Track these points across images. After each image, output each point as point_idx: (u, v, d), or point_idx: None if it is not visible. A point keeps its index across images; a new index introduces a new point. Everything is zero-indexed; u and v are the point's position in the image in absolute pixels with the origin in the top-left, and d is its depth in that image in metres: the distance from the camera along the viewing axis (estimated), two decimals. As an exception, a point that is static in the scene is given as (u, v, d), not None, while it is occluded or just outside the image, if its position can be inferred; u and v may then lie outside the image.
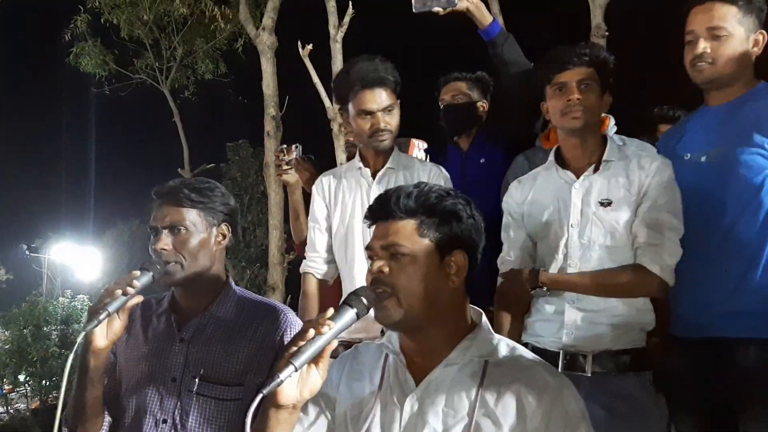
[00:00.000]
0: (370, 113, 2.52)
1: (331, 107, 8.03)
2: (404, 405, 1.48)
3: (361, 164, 2.68)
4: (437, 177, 2.60)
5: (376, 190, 2.57)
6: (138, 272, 1.83)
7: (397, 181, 2.56)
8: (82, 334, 1.74)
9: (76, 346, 1.71)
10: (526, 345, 2.14)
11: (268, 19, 7.55)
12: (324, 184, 2.76)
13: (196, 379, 1.91)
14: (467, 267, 1.51)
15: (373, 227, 1.55)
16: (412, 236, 1.47)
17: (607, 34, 6.63)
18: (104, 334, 1.79)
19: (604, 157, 2.15)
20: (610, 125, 2.68)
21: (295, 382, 1.35)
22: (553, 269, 2.16)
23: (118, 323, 1.81)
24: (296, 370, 1.29)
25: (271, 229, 7.43)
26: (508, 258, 2.30)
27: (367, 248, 1.54)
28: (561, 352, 2.08)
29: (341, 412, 1.57)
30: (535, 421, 1.40)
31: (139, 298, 1.83)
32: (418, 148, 3.52)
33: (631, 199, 2.08)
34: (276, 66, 7.56)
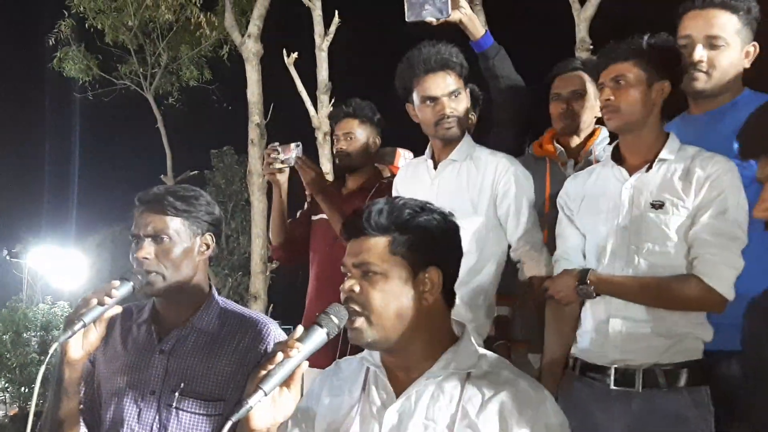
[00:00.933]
0: (435, 99, 2.42)
1: (315, 115, 8.04)
2: (384, 417, 1.47)
3: (428, 155, 2.59)
4: (505, 172, 2.43)
5: (436, 185, 2.49)
6: (117, 282, 1.77)
7: (460, 174, 2.46)
8: (57, 344, 1.70)
9: (49, 356, 1.67)
10: (575, 360, 2.08)
11: (254, 26, 7.54)
12: (400, 174, 2.71)
13: (176, 393, 1.85)
14: (442, 283, 1.49)
15: (349, 243, 1.53)
16: (383, 254, 1.45)
17: (591, 47, 6.69)
18: (80, 345, 1.73)
19: (661, 155, 2.00)
20: (601, 137, 2.68)
21: (268, 406, 1.34)
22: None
23: (95, 334, 1.75)
24: (266, 395, 1.28)
25: (254, 237, 7.41)
26: (561, 258, 2.19)
27: (342, 265, 1.51)
28: (611, 366, 1.97)
29: (321, 426, 1.56)
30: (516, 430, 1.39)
31: (117, 309, 1.77)
32: (404, 158, 3.51)
33: (687, 202, 1.93)
34: (261, 74, 7.55)
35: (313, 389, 1.63)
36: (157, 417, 1.85)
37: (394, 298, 1.44)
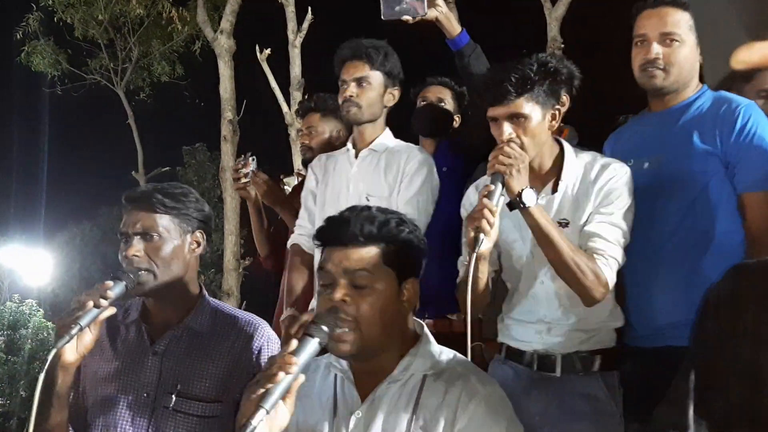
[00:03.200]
0: (344, 82, 2.54)
1: (288, 112, 8.02)
2: (351, 423, 1.49)
3: (350, 145, 2.64)
4: (415, 156, 2.54)
5: (355, 171, 2.55)
6: (111, 282, 1.72)
7: (379, 163, 2.53)
8: (54, 351, 1.61)
9: (48, 364, 1.60)
10: (501, 345, 2.15)
11: (227, 22, 7.50)
12: (317, 163, 2.74)
13: (173, 396, 1.81)
14: (418, 293, 1.52)
15: (326, 250, 1.52)
16: (376, 265, 1.45)
17: (563, 46, 6.76)
18: (74, 349, 1.67)
19: (563, 177, 2.04)
20: (570, 135, 2.70)
21: (265, 421, 1.34)
22: (512, 289, 2.14)
23: (90, 337, 1.68)
24: (267, 413, 1.28)
25: (227, 234, 7.37)
26: (465, 263, 2.25)
27: (324, 272, 1.51)
28: (533, 353, 2.06)
29: (300, 426, 1.56)
30: (460, 424, 1.42)
31: (112, 310, 1.71)
32: None
33: (587, 212, 1.99)
34: (234, 70, 7.51)
35: None
36: (152, 420, 1.81)
37: (383, 308, 1.45)
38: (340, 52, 2.57)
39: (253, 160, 2.95)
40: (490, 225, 1.78)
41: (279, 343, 1.94)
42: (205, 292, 1.99)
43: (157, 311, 1.92)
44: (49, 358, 1.61)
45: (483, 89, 2.11)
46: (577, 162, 2.08)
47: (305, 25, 8.04)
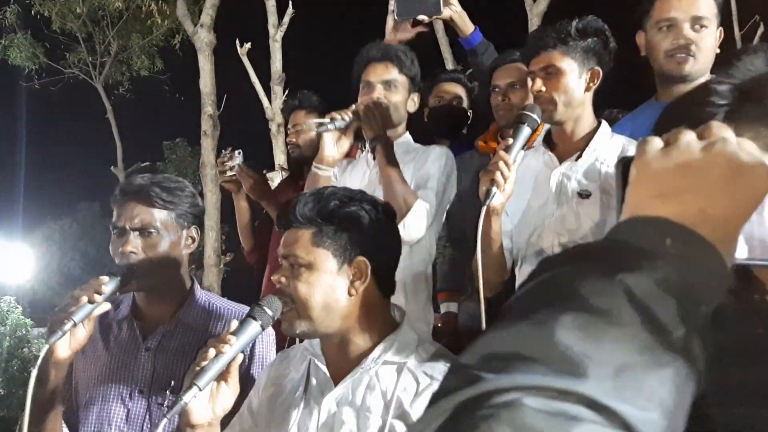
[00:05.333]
0: (370, 84, 2.43)
1: (269, 107, 7.97)
2: (322, 405, 1.48)
3: (368, 146, 2.53)
4: (434, 153, 2.46)
5: (375, 174, 2.47)
6: (105, 278, 1.67)
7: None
8: (47, 347, 1.59)
9: (40, 360, 1.57)
10: None
11: (207, 16, 7.43)
12: (337, 170, 2.71)
13: (167, 392, 1.78)
14: (371, 273, 1.48)
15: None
16: (307, 246, 1.45)
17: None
18: (67, 345, 1.63)
19: (591, 144, 1.98)
20: (545, 130, 2.69)
21: (206, 401, 1.36)
22: (528, 263, 2.04)
23: (83, 332, 1.65)
24: (200, 390, 1.29)
25: (207, 230, 7.30)
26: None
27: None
28: None
29: (263, 414, 1.57)
30: None
31: (106, 306, 1.68)
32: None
33: (614, 192, 1.93)
34: (214, 64, 7.44)
35: (260, 379, 1.65)
36: (147, 416, 1.79)
37: (319, 288, 1.44)
38: (366, 52, 2.47)
39: (239, 153, 2.96)
40: (504, 178, 1.73)
41: (272, 334, 1.92)
42: (197, 286, 1.96)
43: (148, 307, 1.89)
44: (42, 353, 1.58)
45: (525, 46, 2.07)
46: (611, 141, 2.01)
47: (286, 19, 7.99)
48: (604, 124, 2.05)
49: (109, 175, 13.07)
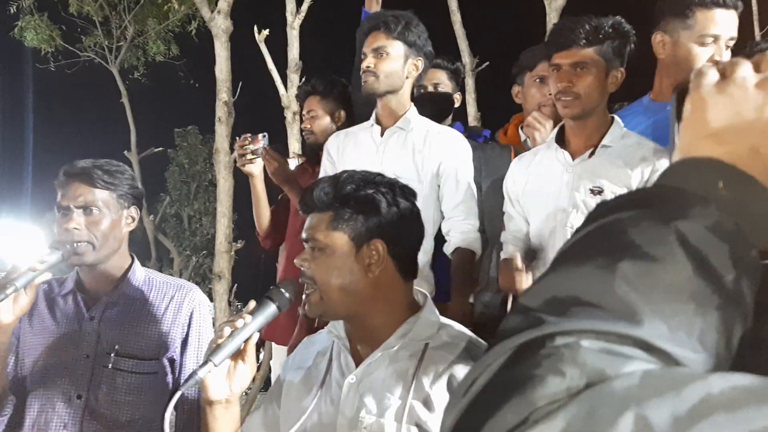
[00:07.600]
0: (364, 55, 2.49)
1: (285, 94, 7.95)
2: (343, 386, 1.50)
3: (373, 121, 2.59)
4: (450, 145, 2.48)
5: (381, 151, 2.50)
6: (48, 250, 1.84)
7: (406, 143, 2.49)
8: None
9: None
10: None
11: (224, 2, 7.40)
12: (331, 144, 2.69)
13: (112, 355, 1.93)
14: (388, 255, 1.50)
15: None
16: (325, 229, 1.49)
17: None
18: (10, 310, 1.77)
19: (604, 141, 2.00)
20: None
21: (223, 378, 1.40)
22: (543, 258, 2.07)
23: (25, 299, 1.79)
24: (216, 366, 1.32)
25: (219, 216, 7.31)
26: (506, 240, 2.21)
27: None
28: None
29: (289, 396, 1.59)
30: None
31: (47, 275, 1.83)
32: None
33: (627, 190, 1.92)
34: (230, 51, 7.42)
35: (286, 362, 1.68)
36: (92, 378, 1.91)
37: (337, 271, 1.47)
38: (360, 27, 2.54)
39: (264, 137, 2.95)
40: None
41: (210, 305, 2.11)
42: (137, 262, 2.11)
43: (91, 281, 2.04)
44: None
45: (552, 36, 2.07)
46: (625, 139, 2.02)
47: (304, 6, 7.96)
48: (617, 120, 2.05)
49: (122, 159, 13.10)
